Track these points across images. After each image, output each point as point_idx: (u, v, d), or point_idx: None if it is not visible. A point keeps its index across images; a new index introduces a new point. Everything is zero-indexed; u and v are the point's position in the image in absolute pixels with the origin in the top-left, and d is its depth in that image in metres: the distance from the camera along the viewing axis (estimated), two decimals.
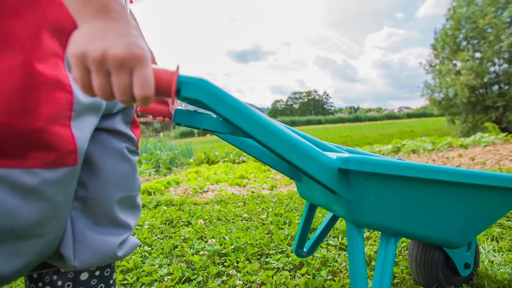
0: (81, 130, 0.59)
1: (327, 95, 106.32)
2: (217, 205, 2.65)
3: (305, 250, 1.33)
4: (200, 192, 3.36)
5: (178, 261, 1.57)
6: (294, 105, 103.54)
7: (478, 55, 20.55)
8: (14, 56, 0.50)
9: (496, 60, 20.24)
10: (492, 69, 20.54)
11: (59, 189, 0.57)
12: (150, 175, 4.97)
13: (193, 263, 1.54)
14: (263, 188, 3.47)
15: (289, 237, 1.78)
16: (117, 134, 0.73)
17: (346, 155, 0.77)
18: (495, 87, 20.85)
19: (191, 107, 0.86)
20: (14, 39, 0.51)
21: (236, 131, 0.90)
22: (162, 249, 1.73)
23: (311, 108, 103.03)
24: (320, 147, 1.03)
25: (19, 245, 0.55)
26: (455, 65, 21.60)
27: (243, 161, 5.82)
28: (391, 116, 65.41)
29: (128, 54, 0.41)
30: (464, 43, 21.47)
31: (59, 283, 0.67)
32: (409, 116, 64.36)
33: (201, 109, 0.87)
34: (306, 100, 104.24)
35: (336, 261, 1.46)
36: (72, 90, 0.57)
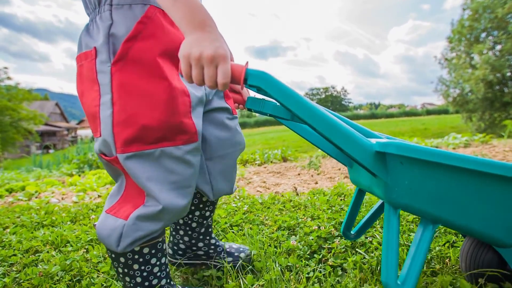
0: (197, 118, 0.93)
1: (345, 91, 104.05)
2: None
3: (352, 233, 1.37)
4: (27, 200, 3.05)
5: None
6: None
7: (499, 47, 18.89)
8: (164, 82, 0.84)
9: None
10: None
11: (193, 156, 0.92)
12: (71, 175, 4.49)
13: None
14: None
15: None
16: (216, 110, 1.07)
17: (385, 140, 0.84)
18: None
19: (261, 96, 1.01)
20: (163, 73, 0.84)
21: (294, 117, 1.00)
22: None
23: (329, 105, 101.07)
24: (365, 134, 1.13)
25: (186, 190, 0.92)
26: (472, 58, 20.00)
27: None
28: (409, 113, 62.95)
29: (215, 54, 0.69)
30: (483, 34, 19.81)
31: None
32: (428, 113, 61.62)
33: (268, 98, 0.99)
34: (323, 96, 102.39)
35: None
36: (189, 94, 0.90)
